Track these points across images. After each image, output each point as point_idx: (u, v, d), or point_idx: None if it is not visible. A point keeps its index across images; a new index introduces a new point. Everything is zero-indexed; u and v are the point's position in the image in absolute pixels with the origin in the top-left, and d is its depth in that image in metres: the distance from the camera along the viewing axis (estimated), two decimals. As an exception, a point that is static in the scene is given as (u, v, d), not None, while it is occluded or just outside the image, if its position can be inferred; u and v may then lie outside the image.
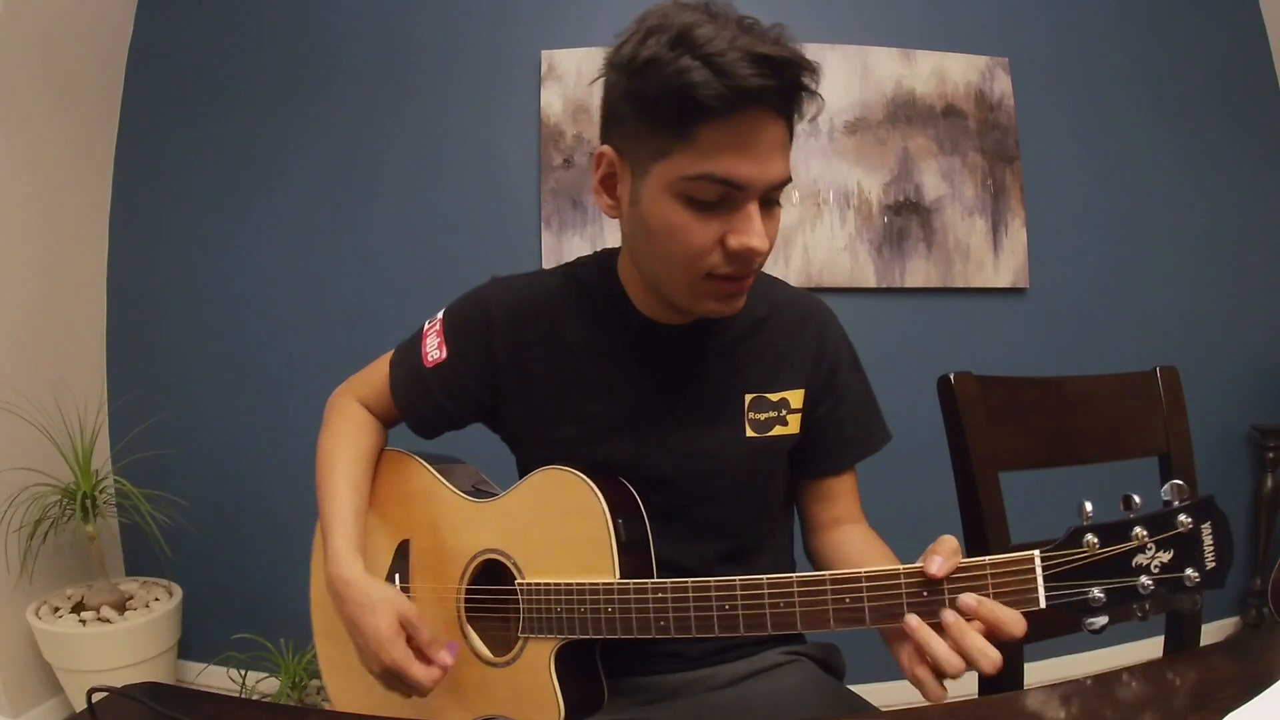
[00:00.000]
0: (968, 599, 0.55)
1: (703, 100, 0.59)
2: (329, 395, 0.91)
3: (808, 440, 0.82)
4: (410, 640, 0.71)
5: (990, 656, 0.54)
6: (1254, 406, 2.27)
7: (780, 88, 0.61)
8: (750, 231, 0.64)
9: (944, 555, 0.57)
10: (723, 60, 0.59)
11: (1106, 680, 0.61)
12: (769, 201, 0.67)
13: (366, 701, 0.82)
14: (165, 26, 2.15)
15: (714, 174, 0.62)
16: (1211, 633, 2.18)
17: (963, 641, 0.54)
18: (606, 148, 0.70)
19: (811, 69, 0.63)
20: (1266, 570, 2.21)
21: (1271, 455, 2.21)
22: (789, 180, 0.66)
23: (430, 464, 0.84)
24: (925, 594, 0.57)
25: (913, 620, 0.57)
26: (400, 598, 0.73)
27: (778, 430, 0.79)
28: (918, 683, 0.58)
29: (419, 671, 0.70)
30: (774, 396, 0.79)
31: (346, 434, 0.85)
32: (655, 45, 0.61)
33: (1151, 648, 0.91)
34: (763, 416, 0.79)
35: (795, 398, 0.80)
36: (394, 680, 0.71)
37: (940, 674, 0.56)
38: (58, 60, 1.94)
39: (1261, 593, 2.21)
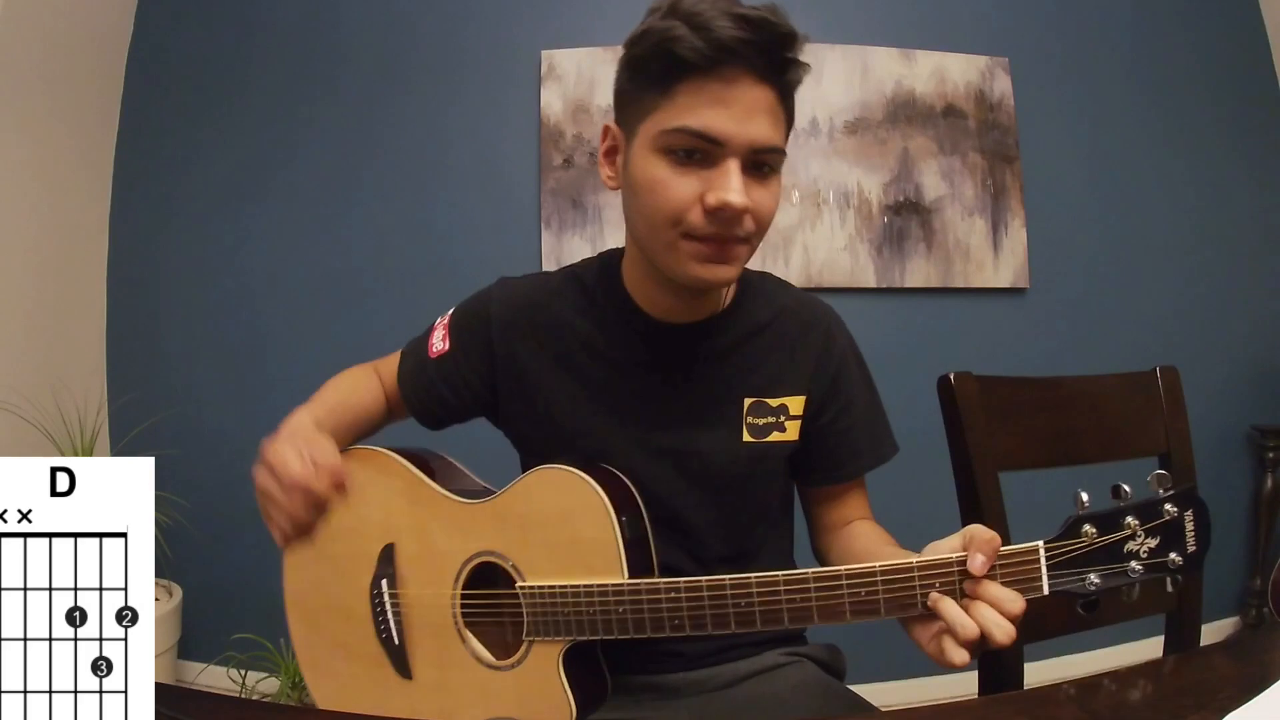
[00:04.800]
0: (969, 584, 0.58)
1: (682, 55, 0.62)
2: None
3: (812, 448, 0.81)
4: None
5: (1003, 626, 0.56)
6: (1254, 406, 2.27)
7: (757, 43, 0.63)
8: (726, 187, 0.64)
9: (986, 554, 0.58)
10: (701, 18, 0.62)
11: (1106, 680, 0.61)
12: (759, 166, 0.67)
13: (355, 702, 0.81)
14: (165, 26, 2.15)
15: (688, 126, 0.64)
16: (1211, 633, 2.18)
17: (974, 611, 0.57)
18: (610, 122, 0.74)
19: (792, 33, 0.64)
20: (1266, 570, 2.21)
21: (1271, 455, 2.21)
22: (778, 148, 0.66)
23: (408, 460, 0.81)
24: (938, 584, 0.59)
25: (933, 594, 0.59)
26: (333, 452, 0.73)
27: (775, 436, 0.79)
28: (939, 652, 0.59)
29: (294, 456, 0.69)
30: (773, 402, 0.79)
31: (352, 376, 0.89)
32: (652, 19, 0.65)
33: (1151, 648, 0.91)
34: (761, 421, 0.79)
35: (795, 404, 0.79)
36: (269, 482, 0.70)
37: (956, 639, 0.57)
38: (58, 60, 1.94)
39: (1261, 593, 2.22)
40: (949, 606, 0.58)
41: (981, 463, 0.91)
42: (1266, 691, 0.55)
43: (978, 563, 0.57)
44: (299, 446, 0.71)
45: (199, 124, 2.13)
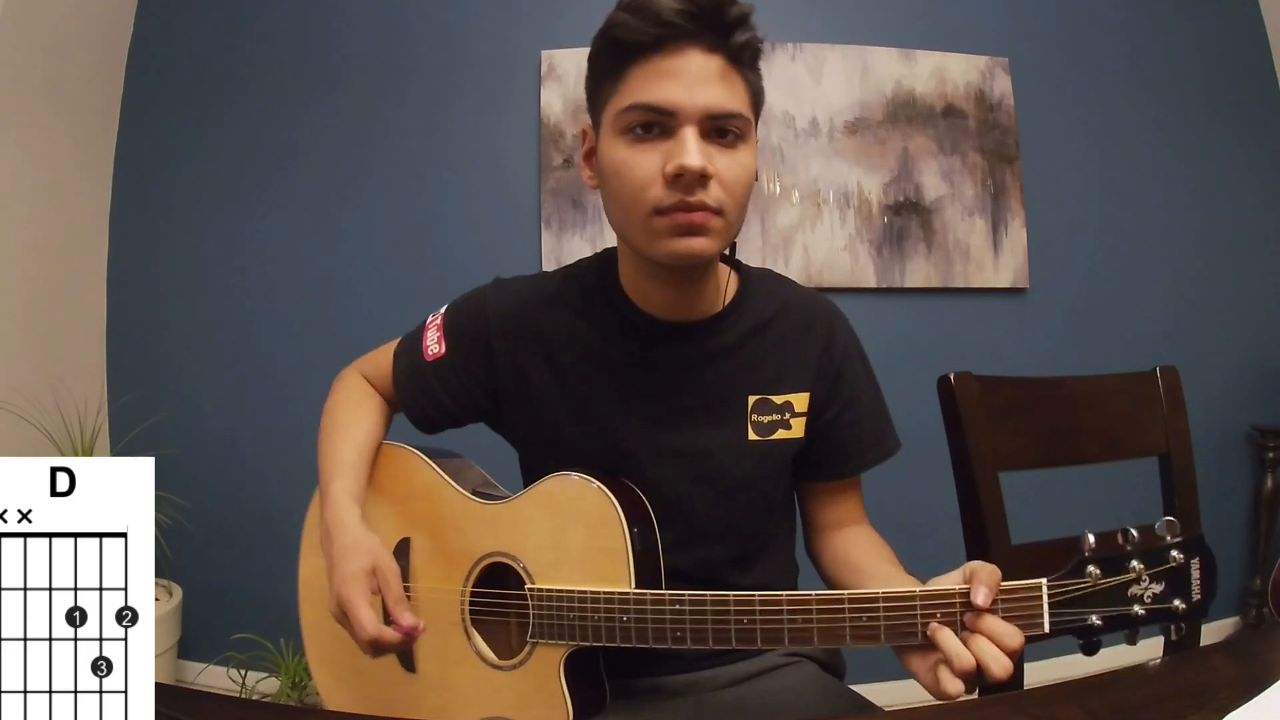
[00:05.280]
0: (969, 617, 0.59)
1: (627, 40, 0.65)
2: (329, 393, 0.91)
3: (815, 443, 0.81)
4: (378, 594, 0.71)
5: (1001, 661, 0.57)
6: (1254, 406, 2.27)
7: (695, 13, 0.63)
8: (682, 152, 0.64)
9: (989, 586, 0.58)
10: (639, 1, 0.64)
11: (1106, 680, 0.61)
12: (723, 133, 0.67)
13: (357, 697, 0.82)
14: (165, 26, 2.15)
15: (638, 101, 0.65)
16: (1211, 633, 2.18)
17: (973, 644, 0.58)
18: (586, 123, 0.75)
19: (733, 1, 0.65)
20: (1266, 570, 2.21)
21: (1271, 455, 2.21)
22: (736, 113, 0.66)
23: (432, 460, 0.83)
24: (939, 615, 0.59)
25: (933, 625, 0.60)
26: (386, 554, 0.73)
27: (781, 434, 0.79)
28: (935, 683, 0.59)
29: (365, 614, 0.68)
30: (778, 399, 0.78)
31: (353, 402, 0.86)
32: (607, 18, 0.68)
33: (1152, 648, 0.91)
34: (766, 419, 0.78)
35: (800, 401, 0.79)
36: (344, 623, 0.70)
37: (952, 670, 0.58)
38: (58, 60, 1.94)
39: (1261, 593, 2.22)
40: (948, 637, 0.58)
41: (981, 463, 0.91)
42: (1266, 691, 0.55)
43: (981, 595, 0.58)
44: (369, 588, 0.70)
45: (199, 124, 2.13)
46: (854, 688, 0.83)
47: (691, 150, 0.64)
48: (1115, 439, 1.00)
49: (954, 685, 0.58)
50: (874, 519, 0.85)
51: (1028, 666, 0.92)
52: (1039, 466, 0.96)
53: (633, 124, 0.66)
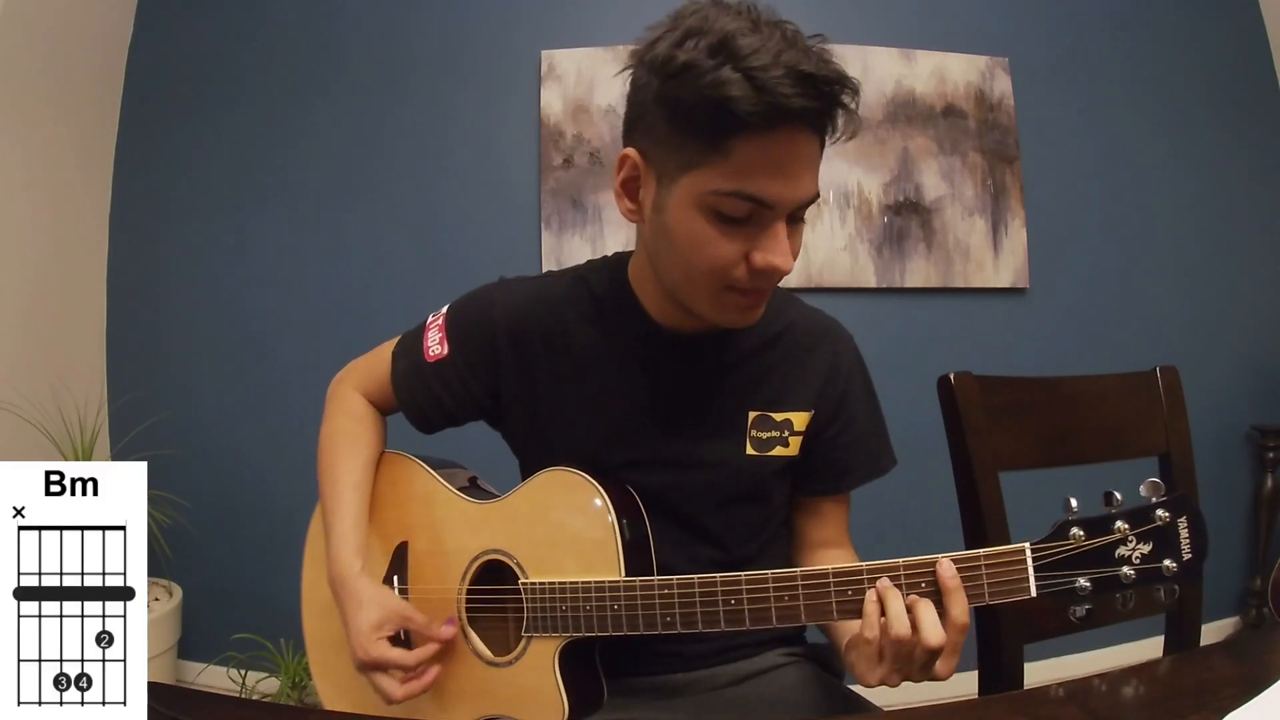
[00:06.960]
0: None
1: (741, 115, 0.57)
2: (326, 410, 0.90)
3: (810, 458, 0.81)
4: (404, 637, 0.73)
5: (938, 632, 0.58)
6: (1254, 406, 2.27)
7: (817, 109, 0.60)
8: (776, 250, 0.63)
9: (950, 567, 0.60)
10: (765, 76, 0.56)
11: (1106, 680, 0.61)
12: (794, 218, 0.65)
13: (358, 705, 0.82)
14: (165, 26, 2.15)
15: (745, 192, 0.61)
16: (1211, 633, 2.18)
17: (916, 609, 0.59)
18: (631, 151, 0.67)
19: (853, 88, 0.61)
20: (1266, 570, 2.21)
21: (1271, 455, 2.21)
22: (817, 197, 0.65)
23: (429, 466, 0.84)
24: (924, 585, 0.60)
25: (883, 582, 0.60)
26: (392, 597, 0.75)
27: (778, 451, 0.79)
28: (862, 650, 0.61)
29: (387, 683, 0.72)
30: (778, 416, 0.78)
31: (348, 431, 0.85)
32: (694, 50, 0.59)
33: (1152, 648, 0.91)
34: (765, 435, 0.78)
35: (800, 420, 0.79)
36: (372, 677, 0.74)
37: (889, 634, 0.59)
38: (58, 60, 1.94)
39: (1261, 593, 2.21)
40: (893, 597, 0.59)
41: (981, 463, 0.91)
42: (1266, 691, 0.55)
43: (945, 567, 0.59)
44: (387, 636, 0.74)
45: (199, 124, 2.13)
46: (853, 688, 0.83)
47: (784, 250, 0.64)
48: (1115, 439, 1.00)
49: (874, 674, 0.61)
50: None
51: (1027, 666, 0.92)
52: (1039, 466, 0.96)
53: (729, 211, 0.62)
